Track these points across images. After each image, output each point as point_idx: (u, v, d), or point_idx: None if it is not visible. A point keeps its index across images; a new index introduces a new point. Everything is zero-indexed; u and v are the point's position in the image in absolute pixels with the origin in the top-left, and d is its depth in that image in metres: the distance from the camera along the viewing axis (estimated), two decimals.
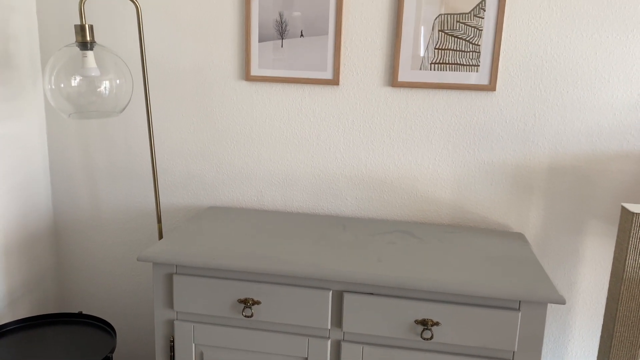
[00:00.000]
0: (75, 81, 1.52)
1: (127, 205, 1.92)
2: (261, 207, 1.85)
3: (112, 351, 1.56)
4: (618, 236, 1.49)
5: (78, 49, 1.49)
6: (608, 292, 1.52)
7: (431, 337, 1.28)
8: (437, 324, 1.29)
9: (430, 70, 1.65)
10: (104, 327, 1.69)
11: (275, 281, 1.36)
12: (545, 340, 1.79)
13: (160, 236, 1.76)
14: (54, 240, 1.99)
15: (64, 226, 1.98)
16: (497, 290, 1.24)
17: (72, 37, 1.83)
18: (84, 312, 2.03)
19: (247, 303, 1.36)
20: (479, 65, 1.62)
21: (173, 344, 1.44)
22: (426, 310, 1.29)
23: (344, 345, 1.35)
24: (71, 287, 2.03)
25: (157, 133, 1.85)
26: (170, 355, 1.45)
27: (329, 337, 1.37)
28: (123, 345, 2.06)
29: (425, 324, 1.29)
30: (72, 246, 2.00)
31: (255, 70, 1.74)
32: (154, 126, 1.85)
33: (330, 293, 1.34)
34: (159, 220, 1.78)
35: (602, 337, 1.56)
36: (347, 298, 1.32)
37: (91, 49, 1.49)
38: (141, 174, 1.89)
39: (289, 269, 1.32)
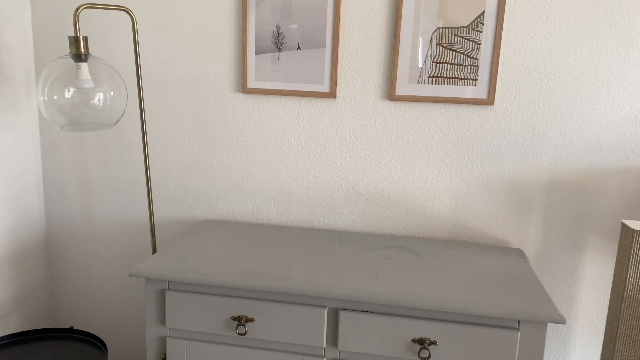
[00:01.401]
0: (68, 93, 1.50)
1: (120, 218, 1.90)
2: (256, 221, 1.83)
3: None
4: (618, 253, 1.47)
5: (72, 60, 1.48)
6: (609, 311, 1.50)
7: (429, 357, 1.25)
8: (434, 343, 1.26)
9: (428, 83, 1.64)
10: (95, 343, 1.66)
11: (270, 298, 1.34)
12: (545, 359, 1.75)
13: (154, 250, 1.74)
14: (46, 253, 1.96)
15: (57, 239, 1.95)
16: (496, 309, 1.22)
17: (67, 49, 1.81)
18: (75, 327, 1.99)
19: (241, 320, 1.33)
20: (477, 79, 1.61)
21: None
22: (424, 329, 1.26)
23: None
24: (63, 301, 2.00)
25: (152, 145, 1.83)
26: None
27: (324, 356, 1.34)
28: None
29: (422, 343, 1.26)
30: (64, 259, 1.96)
31: (251, 83, 1.73)
32: (148, 138, 1.83)
33: (326, 311, 1.31)
34: (153, 234, 1.75)
35: (602, 356, 1.53)
36: (343, 316, 1.29)
37: (85, 60, 1.47)
38: (135, 186, 1.87)
39: (284, 286, 1.29)
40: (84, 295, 1.98)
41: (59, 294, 1.99)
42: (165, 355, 1.41)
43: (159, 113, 1.80)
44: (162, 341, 1.41)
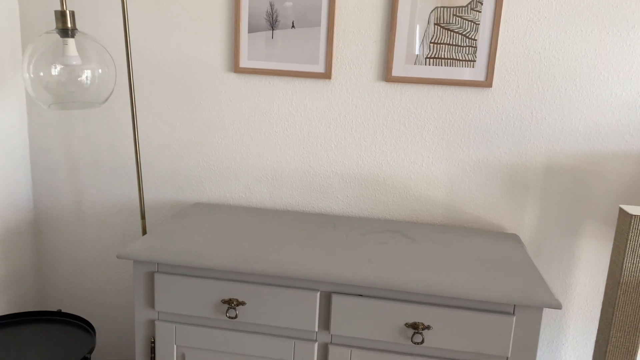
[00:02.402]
0: (55, 70, 1.45)
1: (110, 200, 1.86)
2: (249, 204, 1.80)
3: (91, 351, 1.50)
4: (615, 239, 1.45)
5: (58, 36, 1.43)
6: (604, 296, 1.48)
7: (422, 342, 1.23)
8: (428, 327, 1.24)
9: (425, 65, 1.60)
10: (83, 326, 1.63)
11: (261, 281, 1.31)
12: (539, 345, 1.74)
13: (144, 232, 1.70)
14: (34, 236, 1.92)
15: (45, 221, 1.91)
16: (491, 293, 1.19)
17: (54, 24, 1.76)
18: (63, 310, 1.96)
19: (231, 304, 1.31)
20: (475, 61, 1.58)
21: (154, 345, 1.38)
22: (417, 313, 1.24)
23: (331, 348, 1.30)
24: (51, 284, 1.96)
25: (142, 125, 1.79)
26: (151, 357, 1.39)
27: (316, 340, 1.32)
28: (103, 345, 1.99)
29: (416, 327, 1.24)
30: (53, 242, 1.93)
31: (244, 62, 1.69)
32: (138, 118, 1.78)
33: (318, 294, 1.28)
34: (143, 216, 1.72)
35: (597, 342, 1.52)
36: (336, 300, 1.27)
37: (72, 36, 1.42)
38: (125, 167, 1.83)
39: (275, 269, 1.26)
40: (73, 277, 1.94)
41: (48, 276, 1.96)
42: (154, 339, 1.38)
43: (150, 92, 1.75)
44: (151, 324, 1.38)
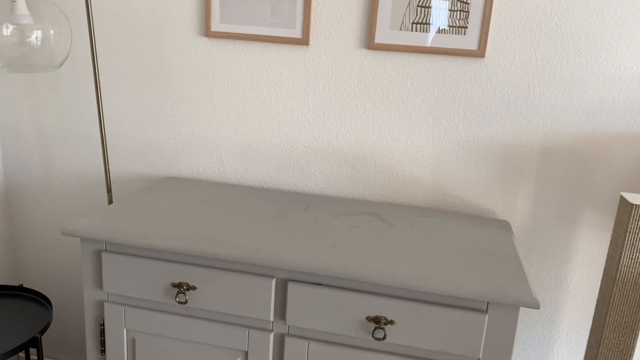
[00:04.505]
0: (6, 30, 1.35)
1: (79, 171, 1.77)
2: (222, 180, 1.69)
3: (44, 330, 1.42)
4: (614, 230, 1.29)
5: None
6: (599, 293, 1.34)
7: (384, 337, 1.11)
8: (391, 322, 1.12)
9: (412, 31, 1.44)
10: (43, 303, 1.56)
11: (213, 265, 1.20)
12: (528, 340, 1.61)
13: None
14: (5, 206, 1.85)
15: (15, 192, 1.84)
16: (462, 288, 1.06)
17: None
18: (27, 285, 1.90)
19: (181, 288, 1.20)
20: (467, 27, 1.41)
21: (103, 328, 1.30)
22: (380, 307, 1.12)
23: (287, 340, 1.19)
24: (19, 256, 1.90)
25: (109, 93, 1.67)
26: (101, 340, 1.31)
27: (272, 330, 1.21)
28: (64, 323, 1.92)
29: (377, 321, 1.12)
30: (24, 213, 1.85)
31: (216, 26, 1.55)
32: (104, 86, 1.67)
33: (274, 281, 1.17)
34: (109, 190, 1.62)
35: (589, 342, 1.38)
36: (292, 288, 1.16)
37: None
38: (93, 137, 1.73)
39: (226, 252, 1.15)
40: (40, 251, 1.87)
41: (17, 247, 1.89)
42: (103, 321, 1.29)
43: (116, 57, 1.64)
44: (100, 306, 1.29)
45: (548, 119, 1.43)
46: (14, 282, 1.89)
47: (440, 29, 1.42)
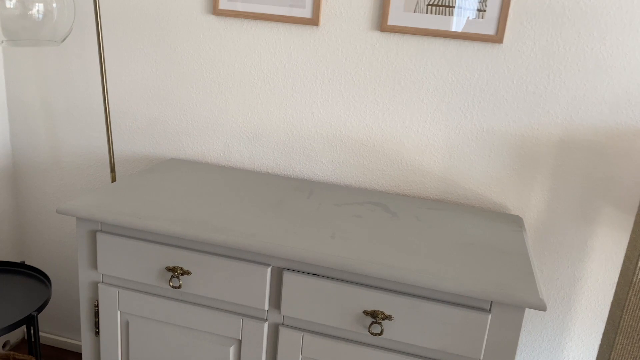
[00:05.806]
0: (9, 2, 1.32)
1: (85, 149, 1.75)
2: (227, 163, 1.65)
3: (41, 309, 1.41)
4: (633, 230, 1.22)
5: None
6: (614, 296, 1.26)
7: (381, 333, 1.07)
8: (389, 317, 1.07)
9: (427, 13, 1.37)
10: (42, 280, 1.55)
11: (208, 250, 1.17)
12: (538, 341, 1.54)
13: None
14: (12, 182, 1.85)
15: (23, 167, 1.83)
16: (464, 285, 1.01)
17: None
18: (29, 262, 1.90)
19: (175, 272, 1.17)
20: (485, 10, 1.33)
21: (97, 309, 1.28)
22: (378, 301, 1.07)
23: (282, 330, 1.15)
24: (24, 232, 1.89)
25: (115, 71, 1.64)
26: (95, 321, 1.29)
27: (266, 320, 1.17)
28: (65, 300, 1.92)
29: (375, 316, 1.07)
30: (31, 189, 1.85)
31: (224, 4, 1.50)
32: (110, 64, 1.64)
33: (269, 270, 1.13)
34: (113, 169, 1.60)
35: (601, 346, 1.31)
36: (287, 277, 1.11)
37: None
38: (101, 116, 1.70)
39: (221, 238, 1.11)
40: (43, 229, 1.87)
41: (21, 224, 1.89)
42: (97, 303, 1.27)
43: (123, 34, 1.60)
44: (95, 287, 1.27)
45: (568, 110, 1.35)
46: (17, 259, 1.89)
47: (457, 11, 1.35)
